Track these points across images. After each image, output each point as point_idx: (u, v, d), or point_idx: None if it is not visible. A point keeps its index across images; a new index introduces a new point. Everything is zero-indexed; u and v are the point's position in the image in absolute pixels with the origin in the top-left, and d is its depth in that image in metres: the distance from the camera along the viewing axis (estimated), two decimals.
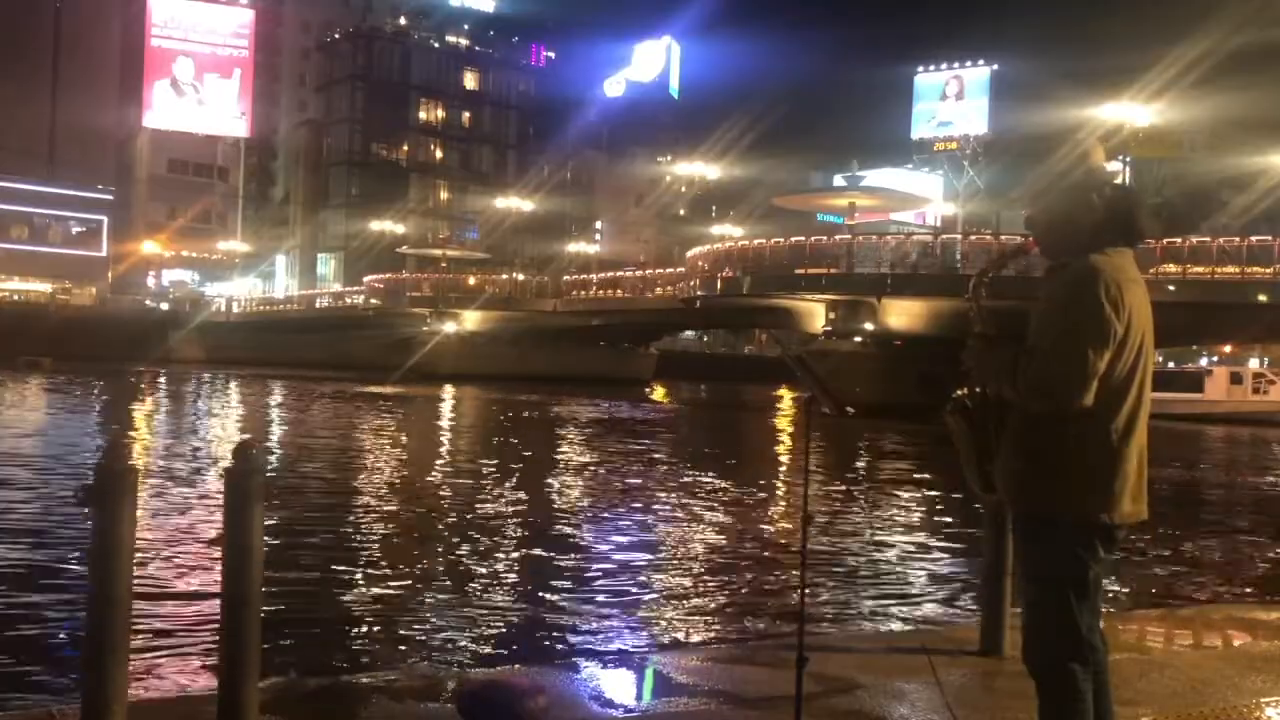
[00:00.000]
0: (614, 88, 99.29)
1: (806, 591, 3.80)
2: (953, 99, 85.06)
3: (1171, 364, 54.93)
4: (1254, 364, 59.47)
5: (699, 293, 43.20)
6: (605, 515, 13.86)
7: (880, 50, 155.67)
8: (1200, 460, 27.43)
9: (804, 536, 3.76)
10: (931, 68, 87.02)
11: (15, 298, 71.49)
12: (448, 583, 9.36)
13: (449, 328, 58.54)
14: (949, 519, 14.21)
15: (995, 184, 78.24)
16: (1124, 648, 5.35)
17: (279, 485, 14.31)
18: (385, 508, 13.95)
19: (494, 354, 57.53)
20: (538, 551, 10.98)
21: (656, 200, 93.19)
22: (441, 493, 15.64)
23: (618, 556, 10.89)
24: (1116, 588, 9.63)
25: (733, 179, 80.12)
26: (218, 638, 3.85)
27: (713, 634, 7.92)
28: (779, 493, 17.09)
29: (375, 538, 11.70)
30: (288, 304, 77.14)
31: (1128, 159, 58.97)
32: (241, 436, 20.28)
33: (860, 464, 21.78)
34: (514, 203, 78.00)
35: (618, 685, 4.85)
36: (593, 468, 19.61)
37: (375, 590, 9.08)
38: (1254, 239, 34.23)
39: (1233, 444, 33.79)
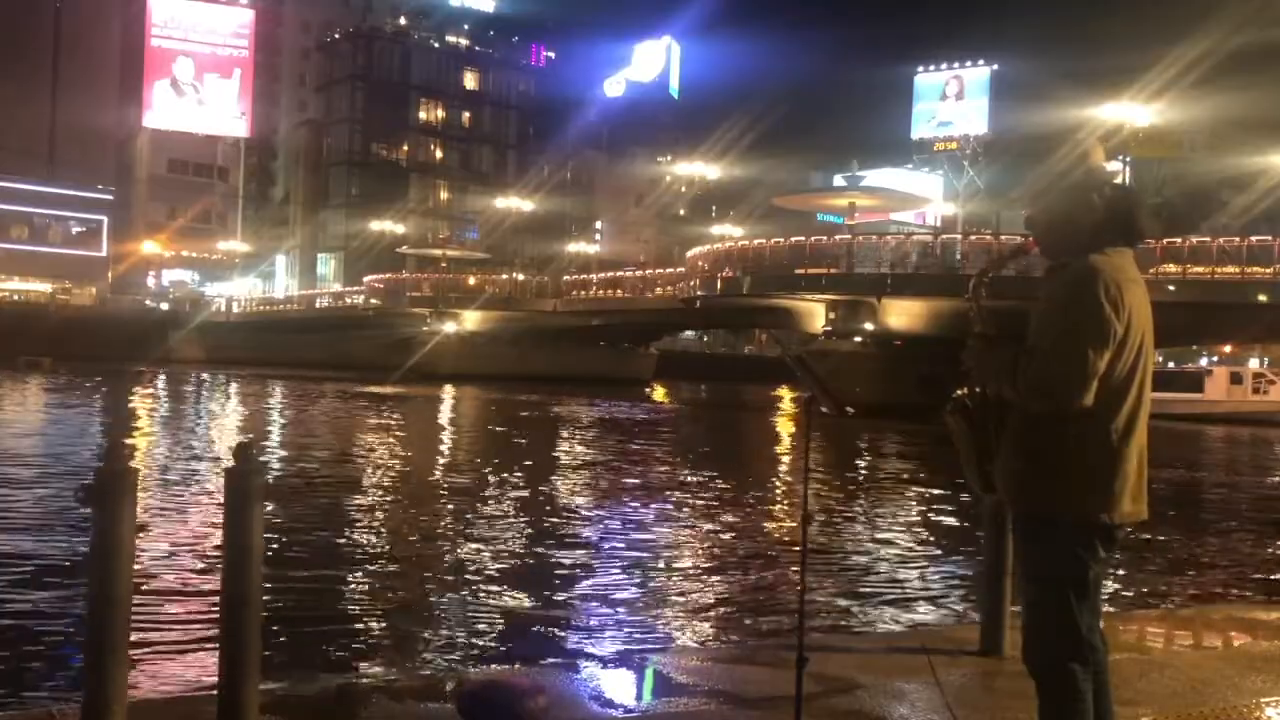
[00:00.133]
0: (614, 88, 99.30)
1: (806, 592, 3.80)
2: (953, 99, 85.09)
3: (1171, 364, 54.94)
4: (1254, 364, 59.46)
5: (699, 293, 43.21)
6: (605, 515, 13.86)
7: (880, 50, 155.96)
8: (1200, 460, 27.43)
9: (804, 536, 3.76)
10: (931, 68, 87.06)
11: (15, 298, 71.50)
12: (447, 582, 9.36)
13: (449, 328, 58.56)
14: (949, 519, 14.22)
15: (995, 184, 78.31)
16: (1124, 648, 5.35)
17: (279, 485, 14.31)
18: (384, 508, 13.96)
19: (494, 354, 57.54)
20: (538, 551, 10.98)
21: (656, 200, 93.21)
22: (441, 493, 15.64)
23: (618, 556, 10.89)
24: (1116, 588, 9.63)
25: (733, 179, 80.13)
26: (218, 638, 3.84)
27: (713, 634, 7.92)
28: (779, 492, 17.09)
29: (375, 537, 11.71)
30: (288, 304, 77.15)
31: (1128, 159, 58.96)
32: (241, 436, 20.29)
33: (860, 464, 21.78)
34: (514, 203, 78.02)
35: (618, 685, 4.85)
36: (593, 468, 19.61)
37: (375, 590, 9.08)
38: (1254, 239, 34.25)
39: (1233, 444, 33.79)
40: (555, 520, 12.97)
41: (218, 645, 3.81)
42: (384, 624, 7.92)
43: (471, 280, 63.65)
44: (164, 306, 73.55)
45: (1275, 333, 39.69)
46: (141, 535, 3.61)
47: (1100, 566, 3.09)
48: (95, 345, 58.49)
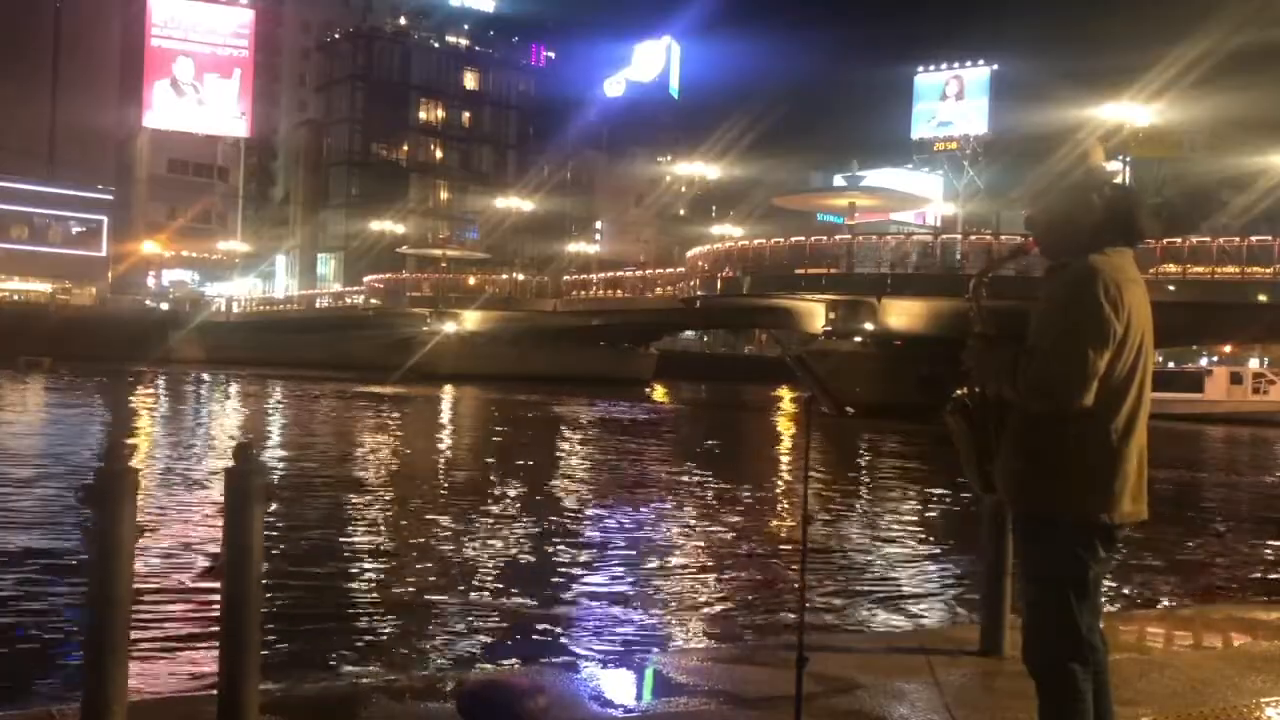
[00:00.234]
0: (614, 88, 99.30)
1: (806, 591, 3.80)
2: (953, 99, 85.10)
3: (1171, 364, 54.95)
4: (1254, 364, 59.47)
5: (699, 293, 43.21)
6: (605, 515, 13.86)
7: (880, 50, 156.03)
8: (1200, 460, 27.42)
9: (804, 536, 3.76)
10: (931, 68, 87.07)
11: (15, 298, 71.51)
12: (447, 582, 9.36)
13: (449, 328, 58.56)
14: (949, 519, 14.21)
15: (995, 184, 78.33)
16: (1124, 648, 5.35)
17: (279, 485, 14.31)
18: (384, 507, 13.95)
19: (494, 354, 57.55)
20: (538, 551, 10.98)
21: (656, 200, 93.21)
22: (441, 492, 15.65)
23: (618, 556, 10.89)
24: (1116, 588, 9.63)
25: (733, 179, 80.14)
26: (218, 638, 3.84)
27: (713, 634, 7.92)
28: (779, 492, 17.09)
29: (375, 537, 11.70)
30: (288, 304, 77.16)
31: (1128, 159, 58.96)
32: (242, 436, 20.29)
33: (860, 464, 21.78)
34: (514, 203, 78.02)
35: (618, 685, 4.85)
36: (593, 468, 19.61)
37: (375, 590, 9.08)
38: (1254, 239, 34.26)
39: (1233, 444, 33.80)
40: (555, 520, 12.96)
41: (218, 645, 3.81)
42: (384, 624, 7.92)
43: (471, 280, 63.66)
44: (164, 306, 73.56)
45: (1275, 333, 39.69)
46: (141, 536, 3.60)
47: (1100, 566, 3.09)
48: (95, 345, 58.49)
